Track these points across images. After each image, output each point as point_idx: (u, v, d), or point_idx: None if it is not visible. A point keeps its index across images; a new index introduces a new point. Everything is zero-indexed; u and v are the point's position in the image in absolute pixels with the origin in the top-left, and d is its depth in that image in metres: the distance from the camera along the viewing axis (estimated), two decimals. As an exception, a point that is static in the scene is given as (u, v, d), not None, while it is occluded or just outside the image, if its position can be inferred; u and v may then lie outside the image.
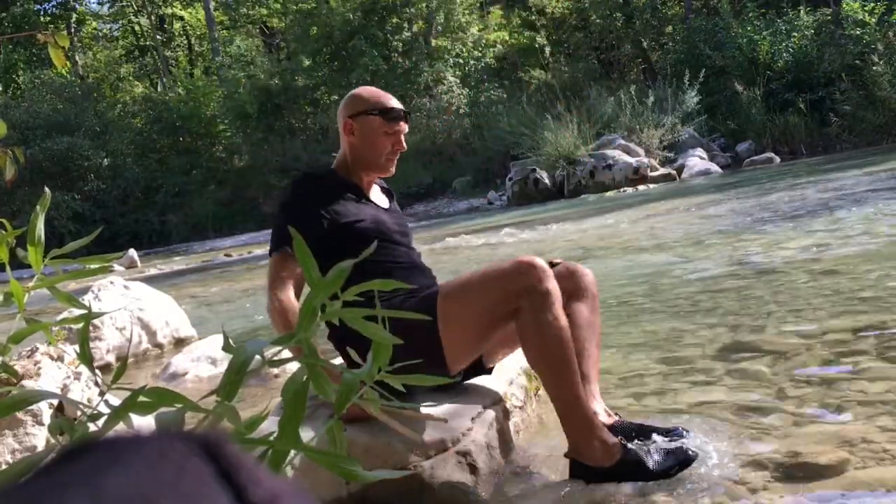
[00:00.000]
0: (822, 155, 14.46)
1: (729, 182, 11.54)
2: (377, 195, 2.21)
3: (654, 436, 1.82)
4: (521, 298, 1.80)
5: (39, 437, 2.12)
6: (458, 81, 21.29)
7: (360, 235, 2.00)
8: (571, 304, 2.04)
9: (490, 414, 1.97)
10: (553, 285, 1.82)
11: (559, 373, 1.79)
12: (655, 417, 2.12)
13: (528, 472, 1.94)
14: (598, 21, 22.83)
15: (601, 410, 1.92)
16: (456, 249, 8.20)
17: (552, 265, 2.08)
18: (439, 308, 1.87)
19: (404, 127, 2.10)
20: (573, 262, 2.17)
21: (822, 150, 15.27)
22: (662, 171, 14.37)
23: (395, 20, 22.33)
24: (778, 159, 14.73)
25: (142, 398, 0.80)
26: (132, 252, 13.99)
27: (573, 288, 2.06)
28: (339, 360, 2.13)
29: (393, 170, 2.12)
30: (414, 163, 18.55)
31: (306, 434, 0.84)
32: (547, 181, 14.51)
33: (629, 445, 1.79)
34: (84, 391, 2.33)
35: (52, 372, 2.30)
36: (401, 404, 0.96)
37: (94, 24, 34.01)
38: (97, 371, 0.92)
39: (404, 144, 2.10)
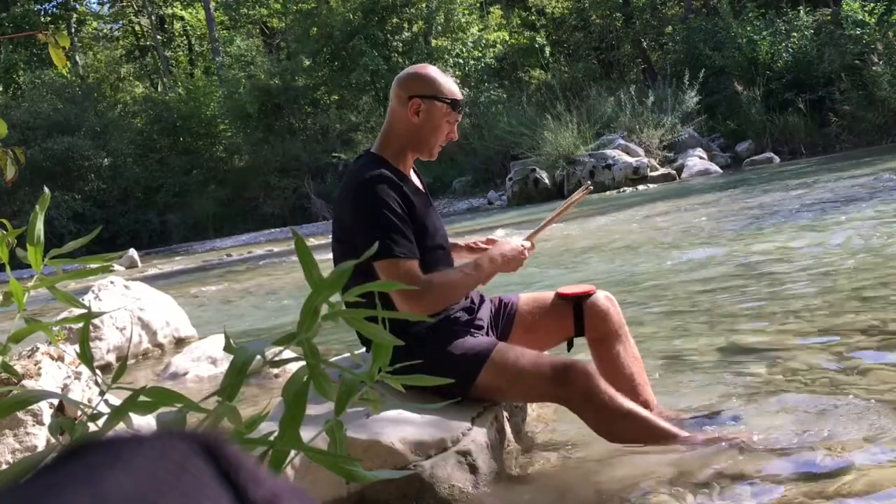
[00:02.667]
0: (821, 155, 14.46)
1: (728, 182, 11.54)
2: (416, 180, 2.16)
3: None
4: (571, 400, 1.89)
5: (40, 437, 2.12)
6: (458, 81, 21.25)
7: (423, 237, 2.00)
8: (613, 344, 2.15)
9: (490, 414, 1.97)
10: (597, 380, 1.88)
11: (633, 429, 1.87)
12: (677, 413, 2.12)
13: (528, 472, 1.94)
14: (598, 21, 22.82)
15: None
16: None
17: (587, 295, 2.16)
18: (482, 373, 1.92)
19: (459, 117, 2.11)
20: (600, 289, 2.23)
21: (821, 149, 15.25)
22: (662, 170, 14.36)
23: (395, 20, 22.30)
24: (777, 159, 14.72)
25: (142, 398, 0.80)
26: (132, 252, 13.98)
27: (611, 330, 2.16)
28: (340, 359, 2.13)
29: (436, 156, 2.13)
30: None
31: (306, 434, 0.84)
32: (547, 181, 14.50)
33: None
34: (84, 391, 2.33)
35: (53, 372, 2.30)
36: (402, 403, 0.96)
37: (95, 24, 33.99)
38: (97, 371, 0.92)
39: (456, 135, 2.11)
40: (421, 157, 2.11)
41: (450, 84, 2.06)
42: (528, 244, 2.09)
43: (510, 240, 2.10)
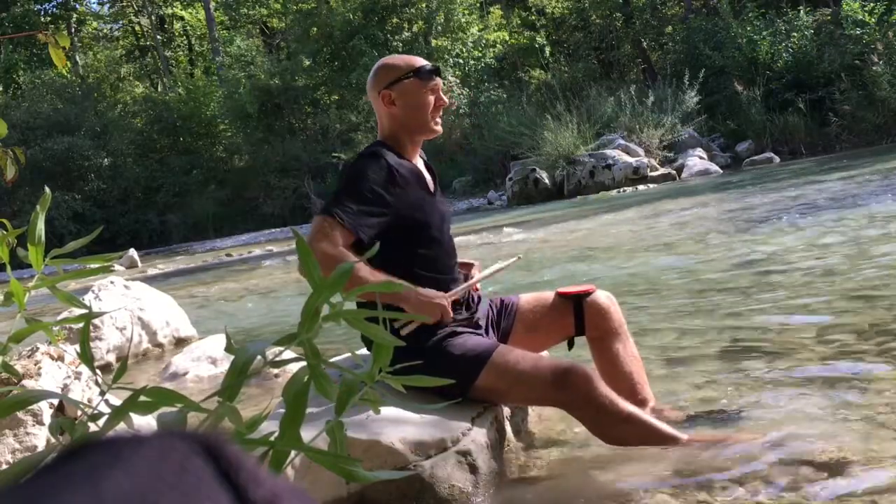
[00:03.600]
0: (821, 155, 14.45)
1: (728, 182, 11.54)
2: (424, 170, 2.14)
3: None
4: (571, 404, 1.88)
5: (40, 437, 2.12)
6: (458, 81, 21.28)
7: (416, 230, 1.99)
8: (613, 342, 2.15)
9: (490, 414, 1.97)
10: (597, 384, 1.86)
11: (633, 432, 1.86)
12: (674, 412, 2.12)
13: (528, 472, 1.94)
14: (598, 21, 22.82)
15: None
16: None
17: (587, 294, 2.15)
18: (482, 374, 1.90)
19: (440, 82, 2.07)
20: (600, 289, 2.22)
21: (821, 149, 15.25)
22: (662, 170, 14.36)
23: (395, 20, 22.30)
24: (777, 159, 14.72)
25: (143, 398, 0.80)
26: (132, 252, 13.99)
27: (611, 328, 2.16)
28: (340, 359, 2.13)
29: (440, 128, 2.09)
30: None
31: (307, 434, 0.84)
32: (547, 181, 14.50)
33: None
34: (84, 391, 2.33)
35: (53, 371, 2.30)
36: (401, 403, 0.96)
37: (95, 24, 34.01)
38: (97, 371, 0.92)
39: (445, 99, 2.08)
40: (423, 136, 2.10)
41: (408, 59, 2.07)
42: (445, 299, 1.94)
43: (440, 294, 1.95)
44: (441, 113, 2.09)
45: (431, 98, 2.04)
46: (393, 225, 1.94)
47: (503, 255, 7.02)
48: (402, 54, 2.13)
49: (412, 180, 2.01)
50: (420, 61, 2.07)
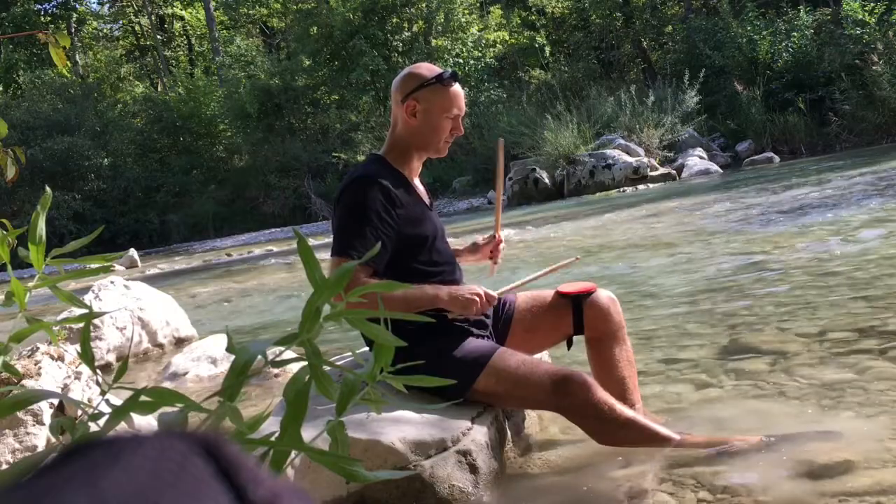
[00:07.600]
0: (821, 154, 14.45)
1: (728, 182, 11.53)
2: (419, 184, 2.15)
3: None
4: (570, 410, 1.89)
5: (40, 437, 2.12)
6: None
7: (419, 245, 2.00)
8: (611, 345, 2.14)
9: (490, 414, 1.97)
10: (596, 391, 1.86)
11: (632, 437, 1.87)
12: (656, 416, 2.12)
13: (528, 472, 1.94)
14: (598, 21, 22.81)
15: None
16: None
17: (588, 293, 2.14)
18: (481, 378, 1.91)
19: (462, 112, 2.05)
20: (601, 287, 2.21)
21: (821, 149, 15.25)
22: (662, 170, 14.35)
23: (395, 20, 22.28)
24: (777, 159, 14.72)
25: (143, 398, 0.80)
26: (133, 252, 13.98)
27: (610, 330, 2.15)
28: (342, 360, 2.13)
29: (446, 152, 2.10)
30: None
31: (308, 434, 0.84)
32: (547, 181, 14.50)
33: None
34: (85, 391, 2.33)
35: (53, 371, 2.30)
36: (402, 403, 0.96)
37: (95, 24, 33.99)
38: (98, 370, 0.92)
39: (462, 129, 2.08)
40: (429, 155, 2.10)
41: (434, 69, 2.05)
42: (491, 292, 1.95)
43: (474, 285, 1.97)
44: (453, 139, 2.09)
45: (449, 125, 2.04)
46: (396, 241, 1.96)
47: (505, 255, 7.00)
48: (427, 63, 2.12)
49: (409, 197, 2.02)
50: (438, 71, 2.04)
